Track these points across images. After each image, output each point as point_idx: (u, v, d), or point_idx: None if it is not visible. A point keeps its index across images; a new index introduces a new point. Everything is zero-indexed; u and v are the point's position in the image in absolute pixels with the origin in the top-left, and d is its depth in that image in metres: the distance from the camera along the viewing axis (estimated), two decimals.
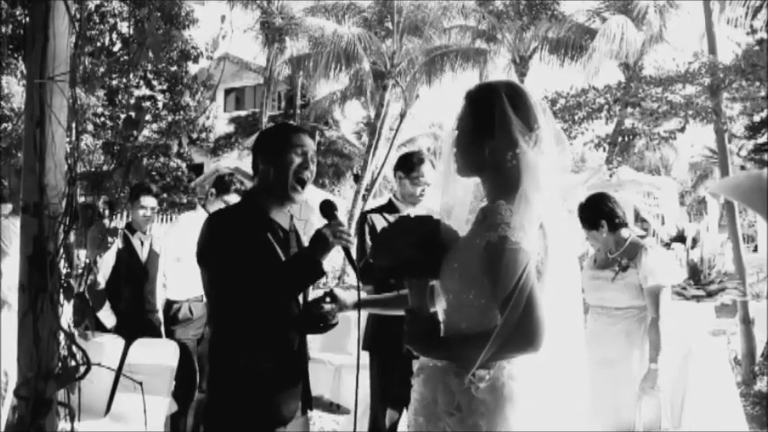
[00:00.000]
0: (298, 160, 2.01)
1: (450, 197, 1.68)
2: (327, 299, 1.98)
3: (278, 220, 2.04)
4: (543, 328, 1.37)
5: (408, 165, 3.16)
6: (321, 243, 1.91)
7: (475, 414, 1.43)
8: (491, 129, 1.53)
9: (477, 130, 1.57)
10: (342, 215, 2.08)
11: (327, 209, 1.99)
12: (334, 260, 14.29)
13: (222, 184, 4.16)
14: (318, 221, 2.12)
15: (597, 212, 3.28)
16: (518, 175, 1.50)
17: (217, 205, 4.06)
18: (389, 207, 3.21)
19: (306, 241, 2.10)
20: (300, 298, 2.04)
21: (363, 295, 2.00)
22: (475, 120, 1.58)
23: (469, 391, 1.44)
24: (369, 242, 3.06)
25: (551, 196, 1.51)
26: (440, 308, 1.61)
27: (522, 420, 1.41)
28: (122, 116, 1.64)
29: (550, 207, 1.51)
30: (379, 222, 3.12)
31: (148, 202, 4.22)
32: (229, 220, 2.01)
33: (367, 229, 3.10)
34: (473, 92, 1.64)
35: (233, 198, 4.03)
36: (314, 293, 2.17)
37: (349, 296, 2.00)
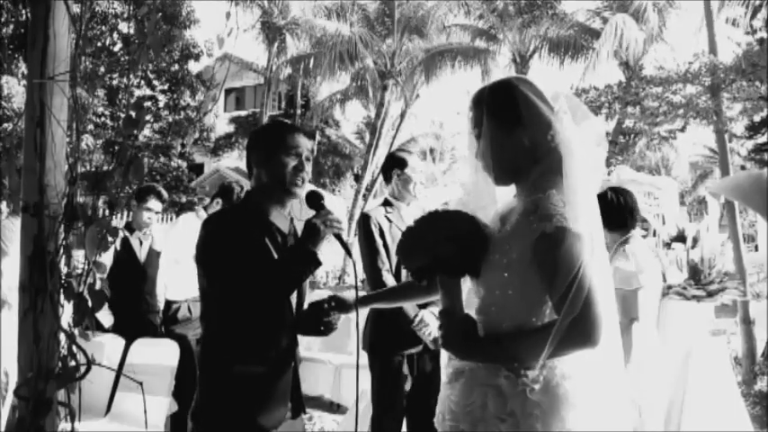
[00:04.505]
0: (292, 163, 1.94)
1: (485, 208, 1.60)
2: (331, 303, 1.97)
3: (277, 222, 1.99)
4: (602, 323, 1.31)
5: (400, 159, 3.19)
6: (312, 233, 1.88)
7: (530, 417, 1.38)
8: (519, 117, 1.47)
9: (505, 125, 1.49)
10: (340, 210, 2.06)
11: (314, 200, 1.96)
12: (334, 260, 14.33)
13: (226, 191, 4.23)
14: None
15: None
16: (560, 157, 1.45)
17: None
18: (387, 205, 3.19)
19: None
20: (295, 300, 2.01)
21: (362, 293, 1.99)
22: (499, 116, 1.50)
23: (523, 393, 1.39)
24: (378, 240, 3.03)
25: (592, 187, 1.47)
26: (470, 307, 1.53)
27: (578, 420, 1.38)
28: (122, 116, 1.64)
29: (592, 199, 1.45)
30: (383, 221, 3.11)
31: (155, 205, 4.21)
32: (228, 221, 1.97)
33: (375, 230, 3.06)
34: (484, 93, 1.55)
35: None
36: (311, 295, 2.16)
37: (350, 297, 1.98)
